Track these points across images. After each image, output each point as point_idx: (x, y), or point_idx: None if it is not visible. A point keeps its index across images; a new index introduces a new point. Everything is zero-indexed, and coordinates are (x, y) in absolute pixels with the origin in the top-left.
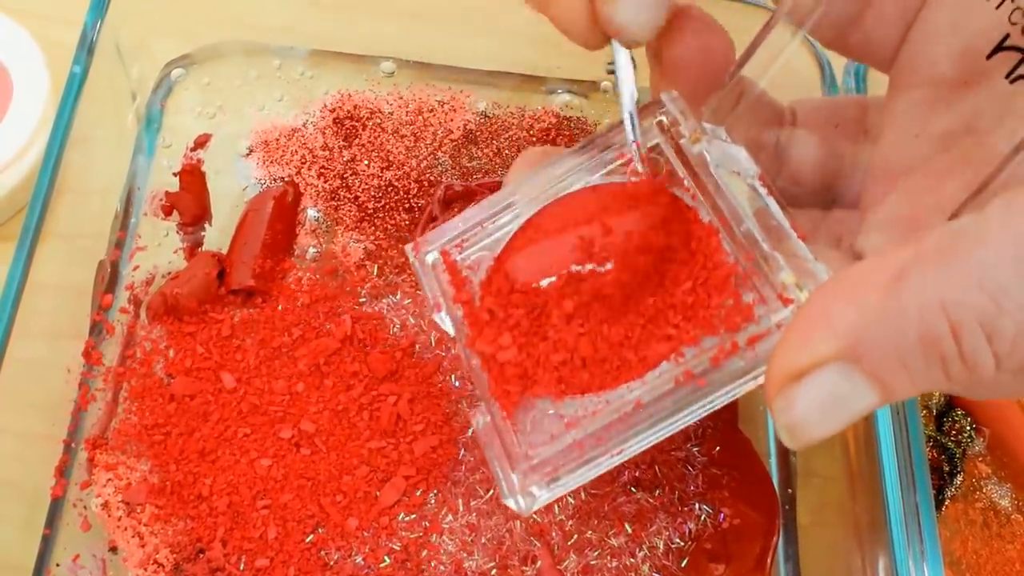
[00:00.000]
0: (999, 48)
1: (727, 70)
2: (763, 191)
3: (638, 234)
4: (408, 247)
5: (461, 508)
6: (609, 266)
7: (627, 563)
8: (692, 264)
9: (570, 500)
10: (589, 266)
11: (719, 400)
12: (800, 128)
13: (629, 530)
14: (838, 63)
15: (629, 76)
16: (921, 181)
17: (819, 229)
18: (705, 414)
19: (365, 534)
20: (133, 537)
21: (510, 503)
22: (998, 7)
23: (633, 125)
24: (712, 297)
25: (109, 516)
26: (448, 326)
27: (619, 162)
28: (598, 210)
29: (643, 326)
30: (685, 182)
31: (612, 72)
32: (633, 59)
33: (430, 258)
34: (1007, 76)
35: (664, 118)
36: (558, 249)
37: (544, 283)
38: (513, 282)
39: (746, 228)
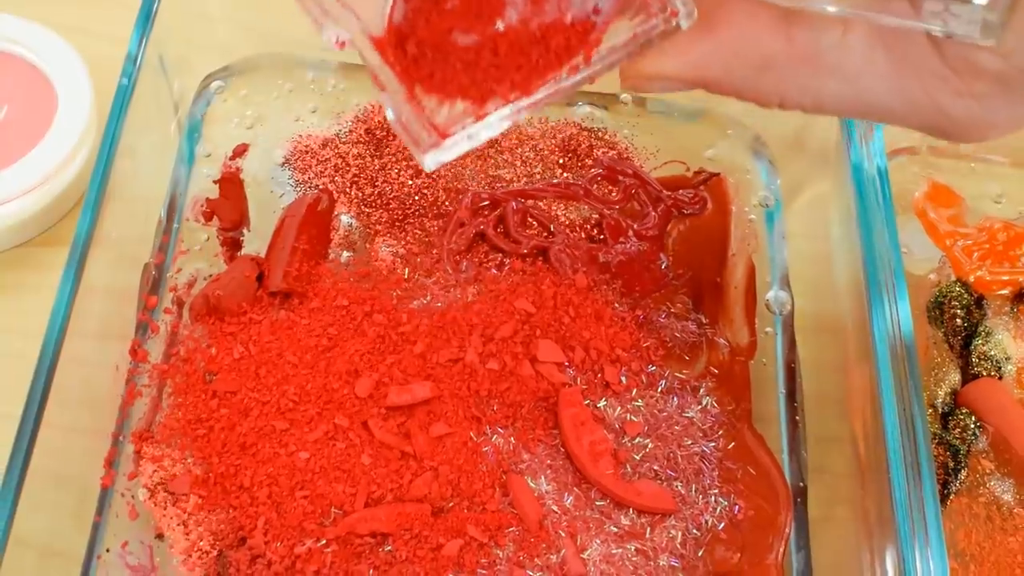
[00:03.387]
0: None
1: None
2: None
3: None
4: None
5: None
6: None
7: (647, 551)
8: None
9: (593, 495)
10: None
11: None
12: None
13: (649, 520)
14: None
15: None
16: None
17: None
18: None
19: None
20: (178, 525)
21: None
22: None
23: None
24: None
25: (155, 505)
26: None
27: None
28: None
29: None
30: None
31: None
32: None
33: None
34: None
35: None
36: None
37: None
38: None
39: None
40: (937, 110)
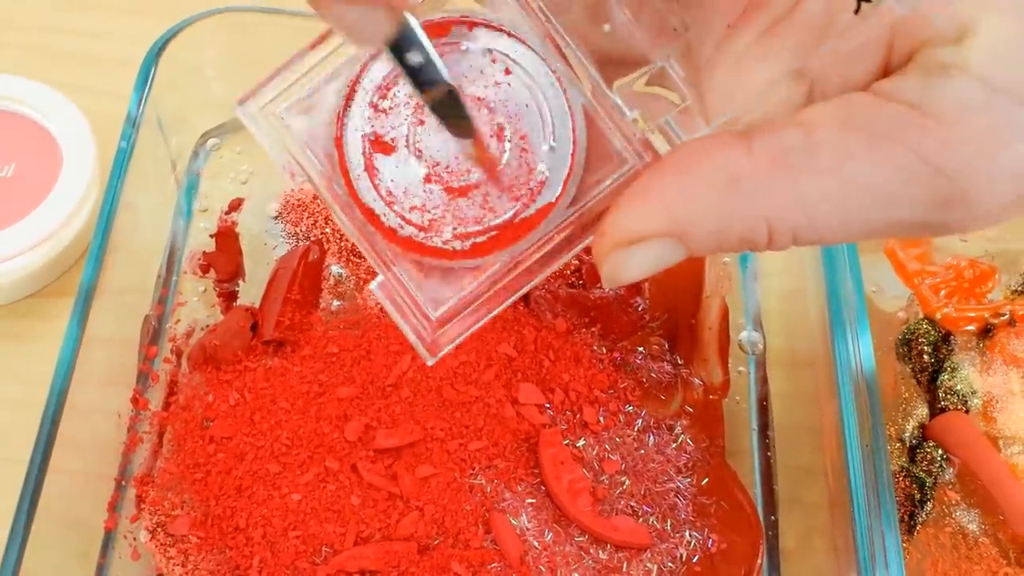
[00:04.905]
0: None
1: None
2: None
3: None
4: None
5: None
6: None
7: None
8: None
9: (572, 531)
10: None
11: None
12: None
13: (626, 555)
14: None
15: None
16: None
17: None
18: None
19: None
20: (177, 565)
21: (419, 350)
22: None
23: None
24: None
25: (156, 547)
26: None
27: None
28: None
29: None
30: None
31: None
32: None
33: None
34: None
35: None
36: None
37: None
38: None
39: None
40: (931, 170)
